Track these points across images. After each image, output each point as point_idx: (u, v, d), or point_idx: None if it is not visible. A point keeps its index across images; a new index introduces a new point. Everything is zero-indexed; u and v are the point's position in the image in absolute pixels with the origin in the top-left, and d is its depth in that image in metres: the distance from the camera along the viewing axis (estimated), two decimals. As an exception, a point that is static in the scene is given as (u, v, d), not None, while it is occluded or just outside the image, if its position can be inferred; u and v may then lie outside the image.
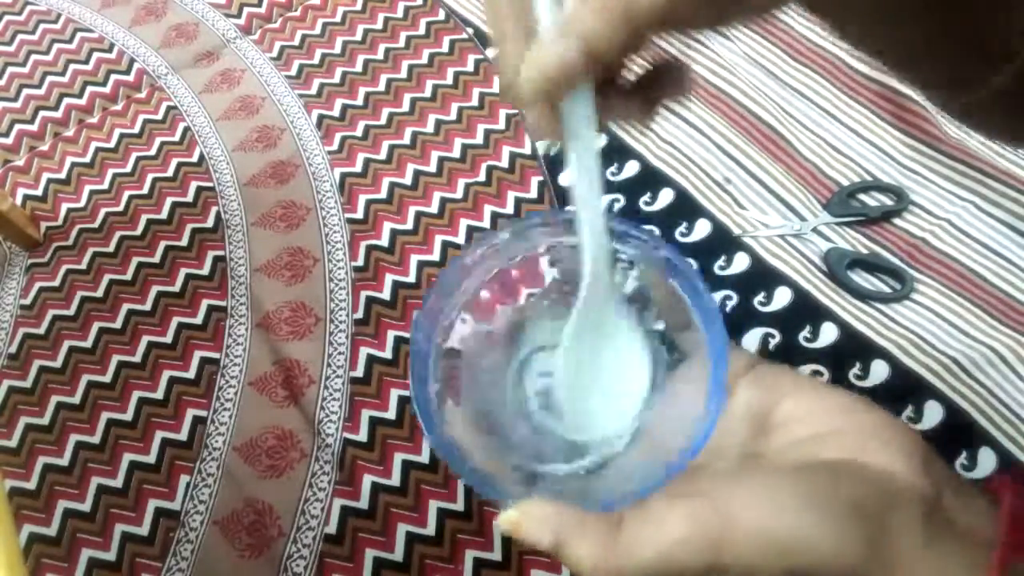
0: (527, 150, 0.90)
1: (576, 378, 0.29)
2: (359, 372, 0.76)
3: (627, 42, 0.23)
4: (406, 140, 0.93)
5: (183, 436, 0.75)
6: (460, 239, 0.84)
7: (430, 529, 0.68)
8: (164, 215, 0.90)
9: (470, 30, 1.03)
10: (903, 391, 0.69)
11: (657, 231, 0.82)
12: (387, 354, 0.77)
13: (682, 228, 0.81)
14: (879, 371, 0.70)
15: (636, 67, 0.28)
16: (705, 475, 0.24)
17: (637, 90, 0.27)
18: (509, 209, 0.86)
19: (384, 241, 0.85)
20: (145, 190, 0.92)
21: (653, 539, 0.22)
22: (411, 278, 0.82)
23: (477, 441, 0.28)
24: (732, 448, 0.26)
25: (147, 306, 0.83)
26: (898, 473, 0.23)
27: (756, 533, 0.21)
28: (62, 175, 0.95)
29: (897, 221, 0.79)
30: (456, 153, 0.91)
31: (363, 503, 0.69)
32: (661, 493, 0.23)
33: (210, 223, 0.89)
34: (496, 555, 0.66)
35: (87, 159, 0.96)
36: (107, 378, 0.79)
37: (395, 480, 0.70)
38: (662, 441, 0.27)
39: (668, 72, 0.27)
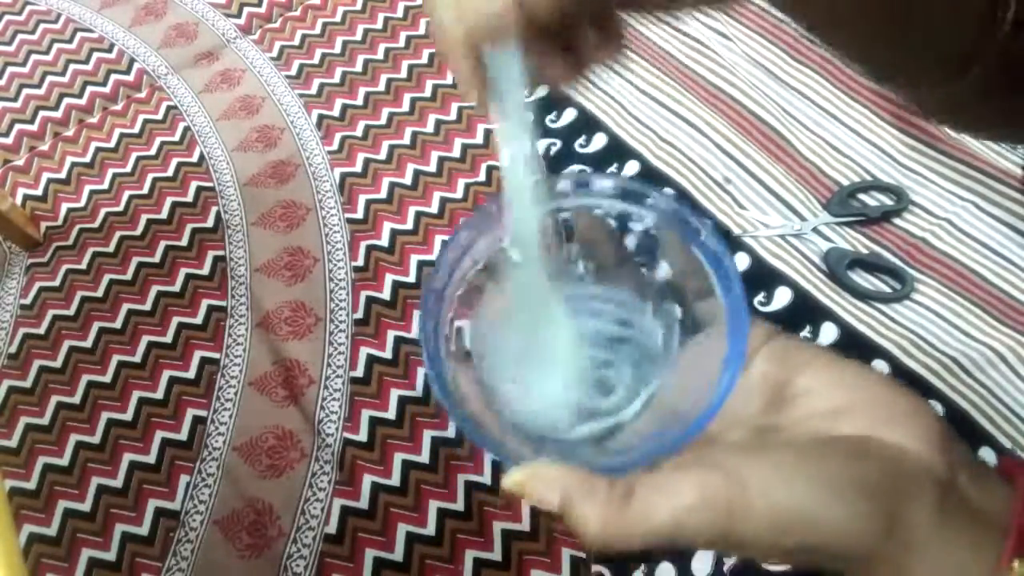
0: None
1: (516, 354, 0.29)
2: (359, 372, 0.76)
3: (569, 8, 0.22)
4: (406, 140, 0.93)
5: (183, 436, 0.75)
6: (460, 239, 0.84)
7: (430, 529, 0.68)
8: (164, 215, 0.90)
9: (470, 30, 1.03)
10: (903, 391, 0.69)
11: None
12: (387, 354, 0.77)
13: (682, 228, 0.81)
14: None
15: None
16: (718, 446, 0.24)
17: (569, 54, 0.26)
18: (509, 209, 0.86)
19: (384, 241, 0.85)
20: (145, 190, 0.92)
21: (664, 505, 0.22)
22: (411, 278, 0.82)
23: (486, 409, 0.28)
24: (747, 419, 0.26)
25: (147, 306, 0.83)
26: (913, 452, 0.23)
27: (768, 506, 0.21)
28: (62, 175, 0.95)
29: (897, 221, 0.79)
30: (456, 153, 0.91)
31: (363, 503, 0.69)
32: (673, 461, 0.23)
33: (210, 223, 0.89)
34: (496, 555, 0.66)
35: (87, 159, 0.96)
36: (107, 378, 0.79)
37: (395, 480, 0.70)
38: (675, 409, 0.26)
39: (603, 37, 0.26)
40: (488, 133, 0.92)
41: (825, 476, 0.22)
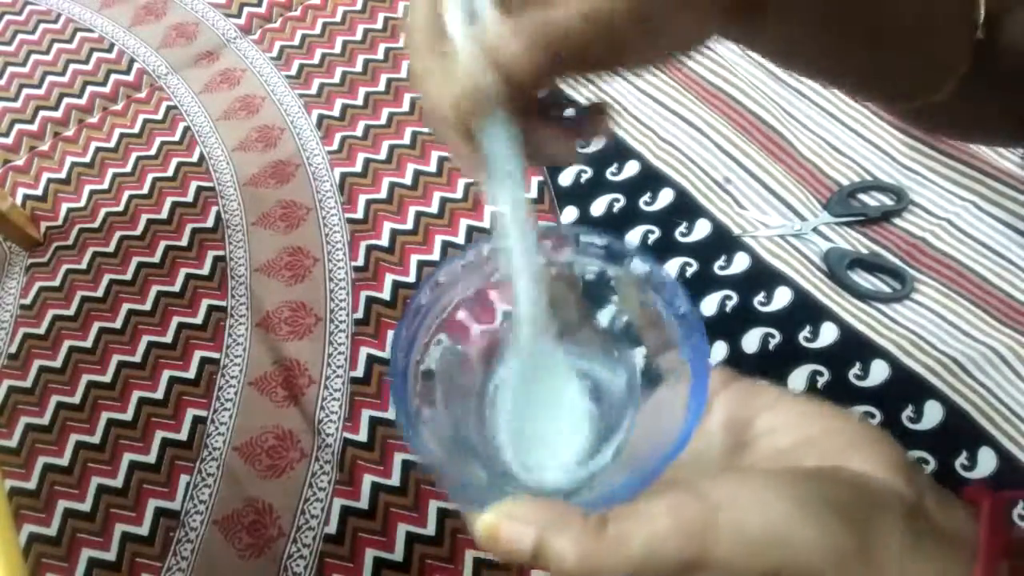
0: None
1: (519, 421, 0.29)
2: (359, 372, 0.76)
3: (545, 70, 0.23)
4: (406, 140, 0.93)
5: (183, 436, 0.75)
6: (460, 239, 0.84)
7: (430, 529, 0.68)
8: (164, 215, 0.90)
9: (470, 30, 1.03)
10: (903, 391, 0.69)
11: (657, 230, 0.82)
12: (387, 354, 0.77)
13: (682, 228, 0.81)
14: (879, 371, 0.70)
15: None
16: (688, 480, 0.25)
17: (559, 127, 0.27)
18: (509, 209, 0.86)
19: (384, 241, 0.85)
20: (145, 190, 0.92)
21: (639, 531, 0.22)
22: (411, 278, 0.82)
23: (453, 464, 0.28)
24: (710, 464, 0.26)
25: (147, 306, 0.83)
26: (879, 477, 0.23)
27: (741, 526, 0.21)
28: (62, 175, 0.95)
29: (897, 221, 0.79)
30: (456, 153, 0.91)
31: (363, 503, 0.69)
32: (646, 491, 0.23)
33: (210, 223, 0.89)
34: (496, 555, 0.66)
35: (87, 159, 0.96)
36: (107, 378, 0.79)
37: (395, 480, 0.70)
38: (644, 457, 0.26)
39: (589, 111, 0.27)
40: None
41: (796, 496, 0.22)
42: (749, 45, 0.29)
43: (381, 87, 0.98)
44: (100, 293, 0.84)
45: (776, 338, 0.73)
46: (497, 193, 0.25)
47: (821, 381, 0.70)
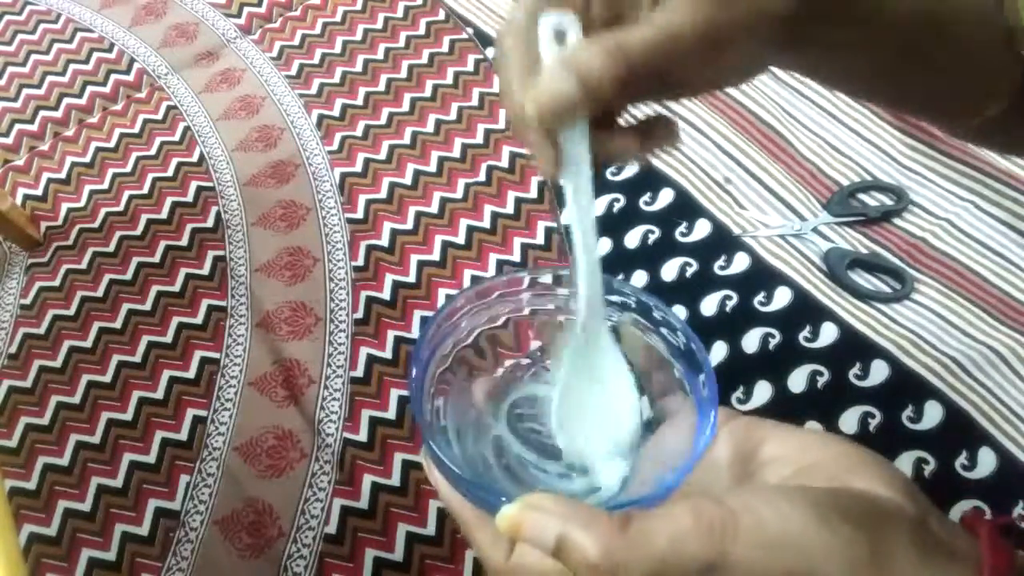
0: (528, 150, 0.90)
1: (571, 406, 0.30)
2: (359, 372, 0.76)
3: (621, 81, 0.25)
4: (406, 140, 0.93)
5: (183, 436, 0.75)
6: (460, 239, 0.84)
7: (430, 529, 0.68)
8: (164, 215, 0.90)
9: (470, 30, 1.03)
10: (903, 391, 0.69)
11: (657, 230, 0.82)
12: (387, 354, 0.77)
13: (682, 228, 0.81)
14: (879, 371, 0.70)
15: (632, 117, 0.31)
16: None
17: (632, 133, 0.30)
18: (509, 209, 0.86)
19: (384, 241, 0.85)
20: (145, 190, 0.92)
21: (662, 529, 0.22)
22: (411, 278, 0.82)
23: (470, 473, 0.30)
24: (721, 492, 0.27)
25: (147, 306, 0.83)
26: (884, 495, 0.24)
27: (760, 530, 0.22)
28: (62, 175, 0.95)
29: (897, 221, 0.79)
30: (456, 153, 0.91)
31: (363, 503, 0.69)
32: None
33: (210, 223, 0.89)
34: (496, 555, 0.66)
35: (87, 159, 0.96)
36: (107, 378, 0.79)
37: (395, 480, 0.70)
38: (652, 484, 0.27)
39: (660, 123, 0.30)
40: (488, 133, 0.92)
41: (810, 505, 0.23)
42: (800, 73, 0.31)
43: (381, 87, 0.98)
44: (100, 293, 0.84)
45: (776, 338, 0.73)
46: (569, 189, 0.28)
47: (821, 381, 0.70)
